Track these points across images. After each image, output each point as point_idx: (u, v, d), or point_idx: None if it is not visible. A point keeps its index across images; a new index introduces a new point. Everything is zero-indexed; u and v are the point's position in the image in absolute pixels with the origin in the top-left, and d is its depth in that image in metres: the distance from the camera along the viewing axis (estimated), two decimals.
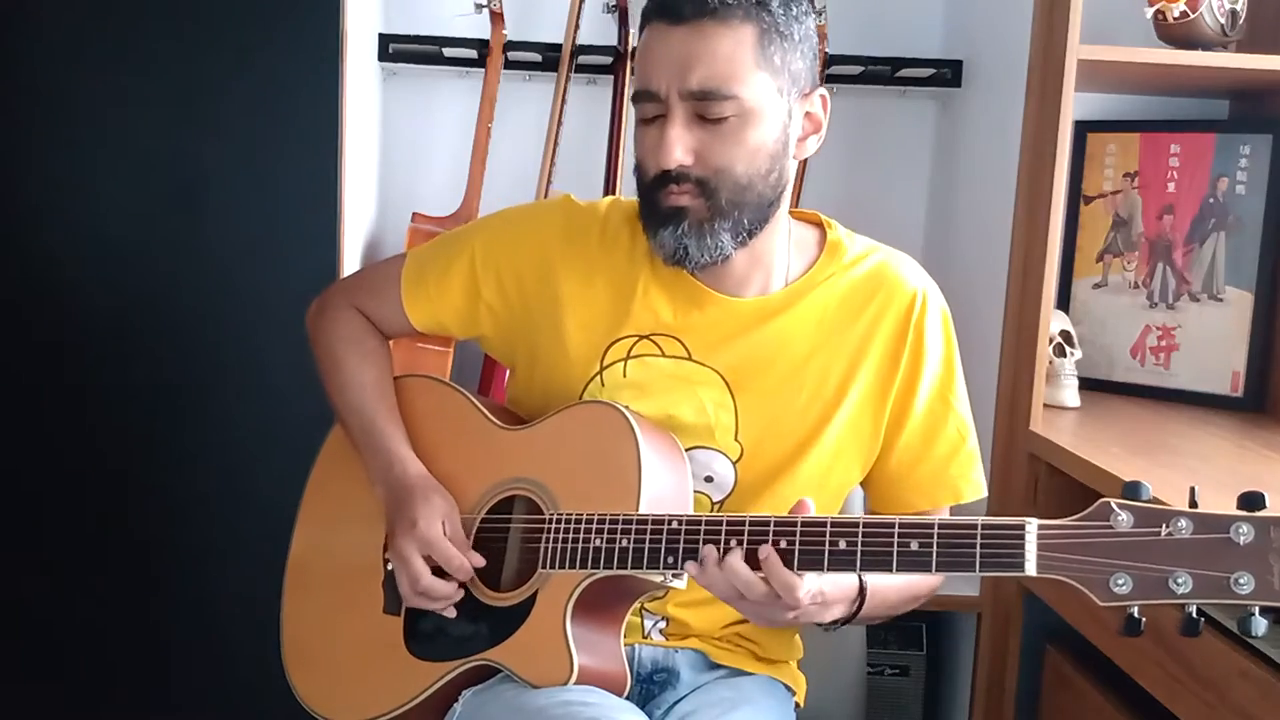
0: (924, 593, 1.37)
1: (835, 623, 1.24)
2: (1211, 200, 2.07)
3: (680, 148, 1.22)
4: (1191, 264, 2.09)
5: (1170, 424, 1.94)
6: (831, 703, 2.20)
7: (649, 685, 1.34)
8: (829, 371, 1.33)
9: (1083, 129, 2.16)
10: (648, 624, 1.35)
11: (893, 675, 2.23)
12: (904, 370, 1.34)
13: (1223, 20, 1.90)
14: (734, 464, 1.33)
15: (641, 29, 1.27)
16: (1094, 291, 2.20)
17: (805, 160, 2.07)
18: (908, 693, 2.24)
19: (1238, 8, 1.92)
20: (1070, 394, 2.02)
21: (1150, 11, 1.90)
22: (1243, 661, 1.29)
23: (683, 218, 1.25)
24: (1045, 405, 1.89)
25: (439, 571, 1.27)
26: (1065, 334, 2.06)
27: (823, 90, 1.30)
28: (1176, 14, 1.87)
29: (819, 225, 1.41)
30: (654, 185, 1.25)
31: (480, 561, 1.28)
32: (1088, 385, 2.09)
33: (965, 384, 1.40)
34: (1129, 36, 1.93)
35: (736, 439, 1.32)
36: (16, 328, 1.91)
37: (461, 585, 1.28)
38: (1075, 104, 1.80)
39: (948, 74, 2.21)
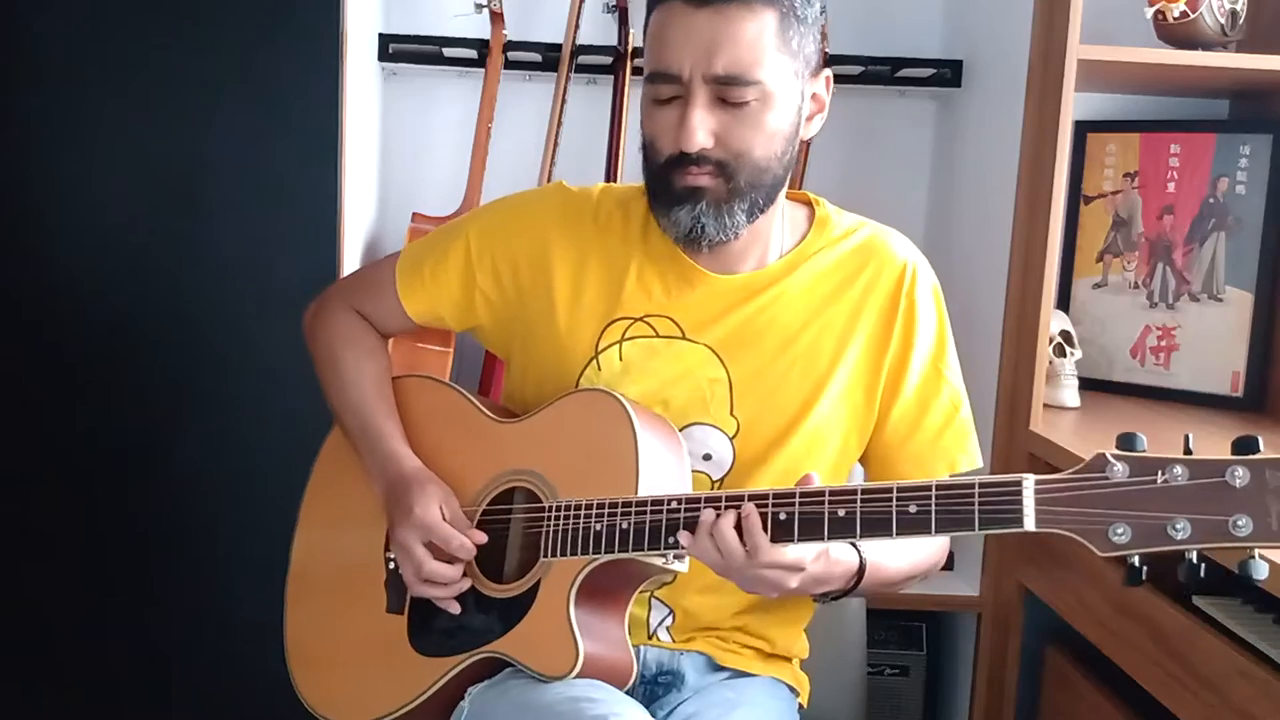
0: (925, 569, 1.37)
1: (830, 595, 1.25)
2: (1211, 200, 2.07)
3: (703, 131, 1.22)
4: (1191, 264, 2.09)
5: (1170, 424, 1.95)
6: (832, 703, 2.20)
7: (653, 687, 1.34)
8: (820, 342, 1.34)
9: (1083, 129, 2.17)
10: (654, 619, 1.35)
11: (893, 675, 2.23)
12: (897, 340, 1.35)
13: (1223, 20, 1.90)
14: (731, 440, 1.33)
15: (653, 8, 1.26)
16: (1094, 291, 2.20)
17: (809, 147, 2.09)
18: (908, 693, 2.24)
19: (1238, 8, 1.92)
20: (1070, 394, 2.03)
21: (1150, 11, 1.90)
22: (1243, 661, 1.30)
23: (700, 197, 1.25)
24: (1045, 405, 1.89)
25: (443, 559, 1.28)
26: (1065, 334, 2.06)
27: (827, 71, 1.32)
28: (1176, 14, 1.87)
29: (808, 204, 1.42)
30: (669, 165, 1.26)
31: (482, 538, 1.28)
32: (1088, 385, 2.09)
33: (959, 361, 1.40)
34: (1129, 36, 1.94)
35: (732, 414, 1.33)
36: (17, 327, 1.91)
37: (465, 573, 1.28)
38: (1075, 104, 1.81)
39: (948, 74, 2.21)
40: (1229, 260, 2.05)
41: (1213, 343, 2.07)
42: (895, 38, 2.24)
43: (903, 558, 1.30)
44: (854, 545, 1.22)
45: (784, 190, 1.33)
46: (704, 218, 1.26)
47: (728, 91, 1.22)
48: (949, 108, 2.28)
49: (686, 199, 1.26)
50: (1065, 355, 2.03)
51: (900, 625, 2.23)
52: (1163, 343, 2.12)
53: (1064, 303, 2.20)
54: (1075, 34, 1.76)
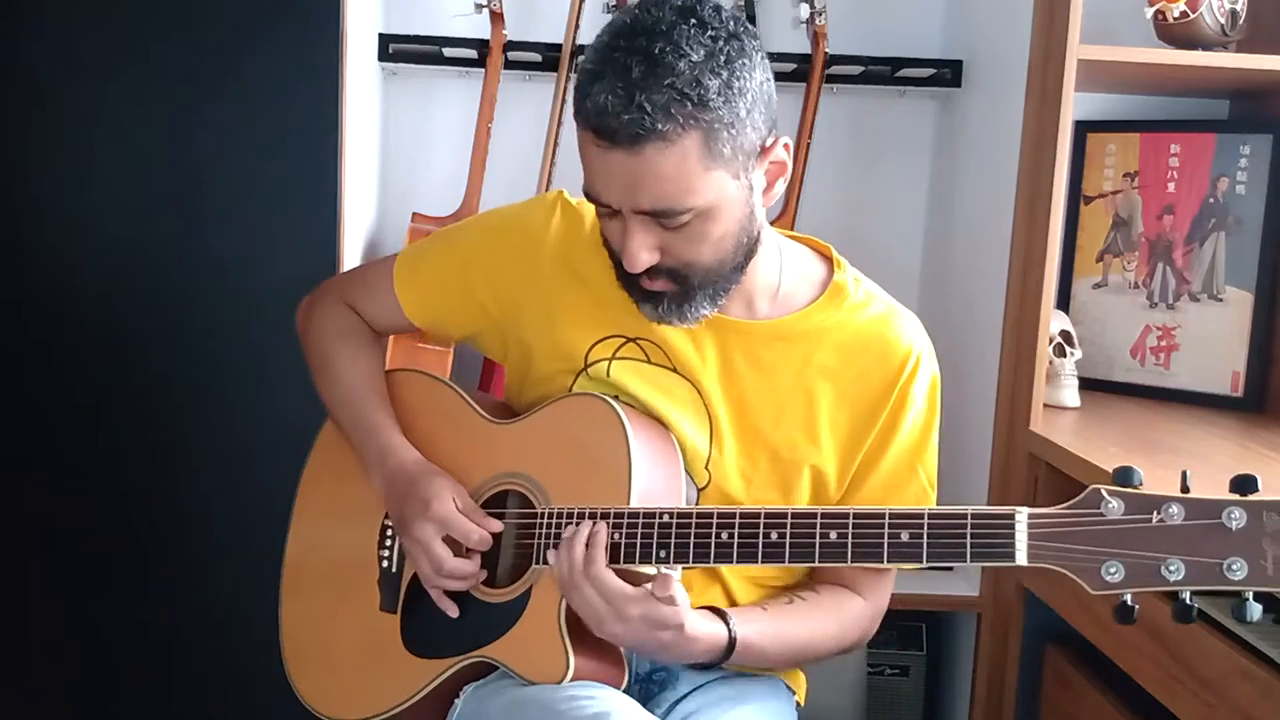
0: (817, 657, 1.34)
1: (703, 666, 1.24)
2: (1211, 200, 2.07)
3: (645, 253, 1.20)
4: (1191, 264, 2.09)
5: (1170, 424, 1.94)
6: (832, 702, 2.20)
7: (648, 685, 1.34)
8: (808, 415, 1.32)
9: (1083, 129, 2.17)
10: None
11: (893, 675, 2.23)
12: (879, 428, 1.32)
13: (1223, 20, 1.90)
14: (699, 491, 1.32)
15: (576, 116, 1.19)
16: (1094, 291, 2.20)
17: (808, 148, 2.09)
18: (908, 693, 2.24)
19: (1238, 8, 1.92)
20: (1070, 394, 2.02)
21: (1150, 11, 1.90)
22: (1243, 661, 1.29)
23: (661, 299, 1.25)
24: (1045, 405, 1.89)
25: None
26: (1065, 334, 2.06)
27: (785, 138, 1.24)
28: (1176, 14, 1.87)
29: (828, 259, 1.38)
30: (625, 269, 1.24)
31: (498, 527, 1.27)
32: (1088, 385, 2.09)
33: (938, 455, 1.37)
34: (1129, 36, 1.93)
35: (706, 468, 1.32)
36: (16, 327, 1.91)
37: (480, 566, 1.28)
38: (1075, 104, 1.80)
39: (948, 74, 2.21)
40: (1229, 260, 2.05)
41: (1213, 343, 2.07)
42: (895, 38, 2.24)
43: (793, 638, 1.28)
44: (724, 620, 1.21)
45: (762, 243, 1.27)
46: (669, 314, 1.25)
47: (662, 220, 1.18)
48: (949, 108, 2.28)
49: (649, 299, 1.25)
50: (1065, 355, 2.03)
51: (900, 625, 2.23)
52: (1163, 343, 2.12)
53: (1064, 303, 2.19)
54: (1075, 34, 1.76)
